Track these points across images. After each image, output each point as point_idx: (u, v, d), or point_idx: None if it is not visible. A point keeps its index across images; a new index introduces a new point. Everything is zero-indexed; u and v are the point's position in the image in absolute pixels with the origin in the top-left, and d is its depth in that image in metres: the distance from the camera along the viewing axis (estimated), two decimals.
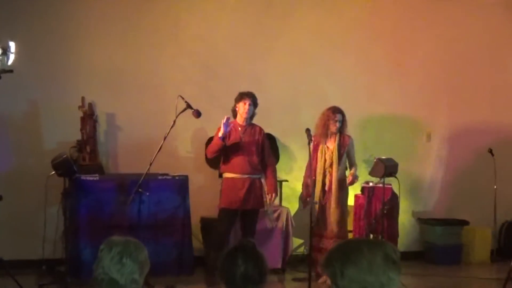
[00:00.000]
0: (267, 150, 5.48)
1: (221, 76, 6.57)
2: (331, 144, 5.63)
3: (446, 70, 7.09)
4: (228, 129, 5.17)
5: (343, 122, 5.63)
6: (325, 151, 5.61)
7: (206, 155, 5.62)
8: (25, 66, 5.64)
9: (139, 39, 6.41)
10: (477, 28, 7.13)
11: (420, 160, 7.05)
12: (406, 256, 6.43)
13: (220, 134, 5.15)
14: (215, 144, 5.28)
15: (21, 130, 6.14)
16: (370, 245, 1.73)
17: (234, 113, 5.41)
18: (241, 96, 5.34)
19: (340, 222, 5.57)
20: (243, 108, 5.32)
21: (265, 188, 5.43)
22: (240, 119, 5.38)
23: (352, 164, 5.70)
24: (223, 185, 5.44)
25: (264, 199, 5.42)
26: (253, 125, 5.45)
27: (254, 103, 5.37)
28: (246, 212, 5.36)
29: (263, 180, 5.44)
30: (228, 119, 5.11)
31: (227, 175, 5.39)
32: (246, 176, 5.31)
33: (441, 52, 7.07)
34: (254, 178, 5.35)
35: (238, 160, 5.31)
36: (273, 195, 5.42)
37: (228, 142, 5.26)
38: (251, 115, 5.38)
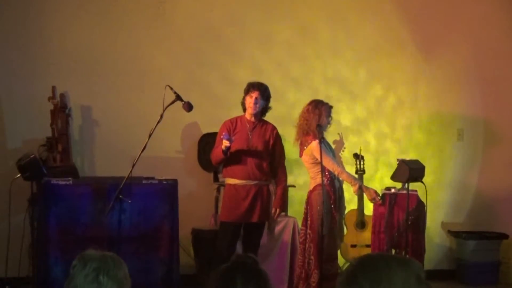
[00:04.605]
0: (278, 152, 5.44)
1: (217, 62, 6.56)
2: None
3: (480, 55, 7.08)
4: (231, 142, 5.15)
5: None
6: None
7: (210, 159, 5.57)
8: None
9: (119, 18, 6.40)
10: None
11: (451, 162, 7.04)
12: (434, 275, 6.44)
13: (223, 147, 5.17)
14: (218, 156, 5.29)
15: None
16: (399, 262, 1.73)
17: (243, 107, 5.43)
18: (248, 88, 5.36)
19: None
20: (249, 101, 5.33)
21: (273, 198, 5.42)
22: (248, 114, 5.39)
23: None
24: (225, 192, 5.44)
25: (269, 210, 5.41)
26: (265, 122, 5.44)
27: (264, 96, 5.35)
28: (250, 225, 5.35)
29: (271, 187, 5.43)
30: (226, 134, 5.13)
31: (229, 181, 5.37)
32: (252, 182, 5.29)
33: (475, 32, 7.06)
34: (261, 185, 5.33)
35: (243, 164, 5.28)
36: (278, 210, 5.41)
37: (234, 142, 5.22)
38: (261, 110, 5.38)
